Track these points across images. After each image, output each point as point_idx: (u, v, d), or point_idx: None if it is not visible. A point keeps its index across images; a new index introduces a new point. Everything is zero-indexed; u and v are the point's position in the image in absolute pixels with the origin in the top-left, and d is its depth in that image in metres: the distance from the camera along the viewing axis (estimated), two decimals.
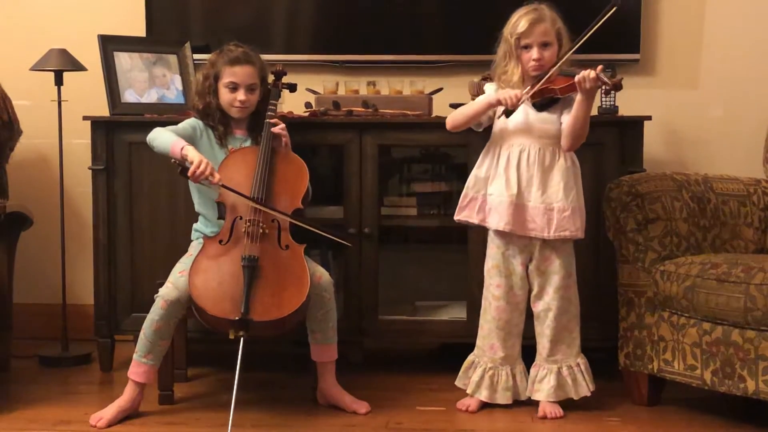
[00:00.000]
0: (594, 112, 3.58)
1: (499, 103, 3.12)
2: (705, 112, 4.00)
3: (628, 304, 3.28)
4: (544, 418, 3.16)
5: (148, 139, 3.22)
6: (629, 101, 3.70)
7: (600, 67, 3.02)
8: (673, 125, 3.98)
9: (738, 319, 2.94)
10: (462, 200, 3.26)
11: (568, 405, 3.21)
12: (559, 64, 3.10)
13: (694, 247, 3.29)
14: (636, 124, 3.53)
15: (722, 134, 3.99)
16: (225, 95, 3.30)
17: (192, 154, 3.09)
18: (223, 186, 3.12)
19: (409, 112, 3.61)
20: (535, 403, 3.22)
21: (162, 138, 3.18)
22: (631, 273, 3.27)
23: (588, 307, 3.39)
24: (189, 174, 3.06)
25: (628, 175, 3.38)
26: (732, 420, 3.14)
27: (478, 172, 3.23)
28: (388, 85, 3.81)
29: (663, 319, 3.18)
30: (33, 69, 3.78)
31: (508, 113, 3.10)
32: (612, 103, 3.63)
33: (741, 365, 2.94)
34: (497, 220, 3.16)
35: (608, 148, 3.52)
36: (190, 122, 3.32)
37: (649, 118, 3.54)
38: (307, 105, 3.70)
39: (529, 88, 3.12)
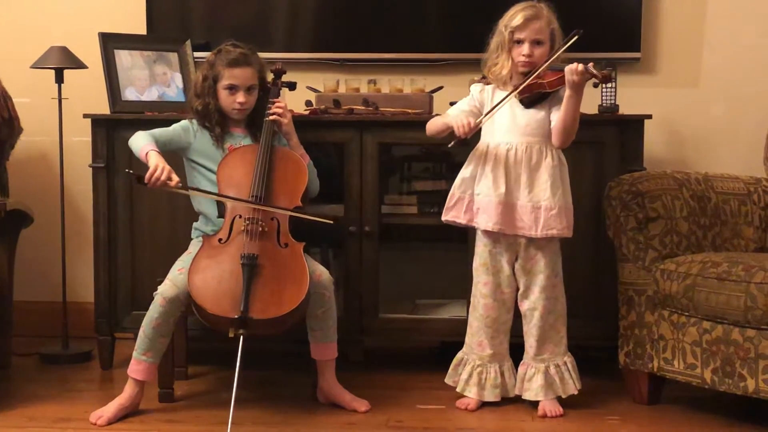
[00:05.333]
0: (594, 110, 3.60)
1: (450, 127, 3.12)
2: (705, 111, 3.99)
3: (629, 303, 3.28)
4: (545, 416, 3.16)
5: (129, 142, 3.22)
6: (630, 100, 3.70)
7: (591, 63, 3.02)
8: (674, 124, 3.97)
9: (738, 317, 2.94)
10: (449, 201, 3.26)
11: (567, 403, 3.21)
12: (542, 68, 3.09)
13: (695, 245, 3.29)
14: (636, 123, 3.52)
15: (723, 133, 3.98)
16: (224, 97, 3.29)
17: (151, 160, 3.07)
18: (182, 188, 3.10)
19: (409, 111, 3.61)
20: (534, 402, 3.21)
21: (136, 142, 3.18)
22: (632, 271, 3.27)
23: (588, 305, 3.39)
24: (145, 180, 3.04)
25: (628, 174, 3.38)
26: (732, 419, 3.14)
27: (464, 172, 3.23)
28: (388, 84, 3.81)
29: (663, 317, 3.18)
30: (33, 66, 3.78)
31: (457, 143, 3.08)
32: (612, 101, 3.62)
33: (741, 364, 2.94)
34: (486, 220, 3.15)
35: (608, 147, 3.52)
36: (182, 124, 3.33)
37: (649, 116, 3.54)
38: (308, 103, 3.70)
39: (483, 116, 3.13)
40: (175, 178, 3.07)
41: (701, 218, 3.33)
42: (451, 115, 3.20)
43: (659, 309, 3.20)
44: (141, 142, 3.16)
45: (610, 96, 3.62)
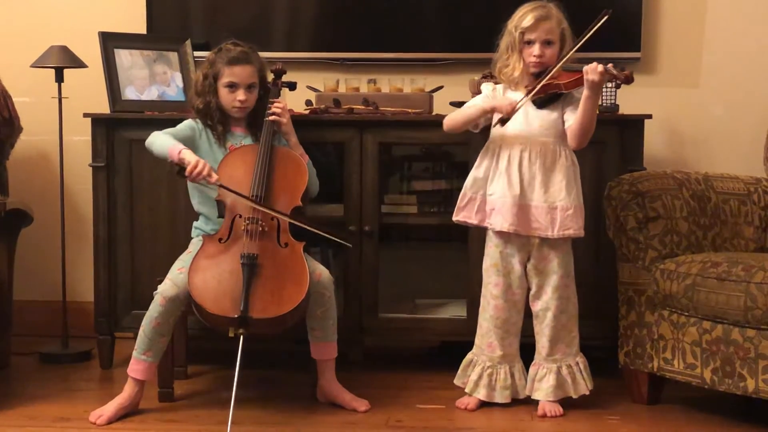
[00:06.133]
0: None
1: (493, 110, 3.11)
2: (706, 111, 4.00)
3: (629, 303, 3.28)
4: (544, 416, 3.16)
5: (146, 143, 3.22)
6: (630, 100, 3.70)
7: (611, 65, 3.01)
8: (674, 124, 3.97)
9: (738, 317, 2.94)
10: (460, 201, 3.25)
11: (567, 403, 3.21)
12: (558, 66, 3.08)
13: (695, 245, 3.29)
14: (636, 123, 3.53)
15: (723, 133, 3.99)
16: (224, 95, 3.30)
17: (189, 156, 3.09)
18: (221, 186, 3.12)
19: (409, 110, 3.61)
20: (534, 402, 3.22)
21: (159, 142, 3.18)
22: (632, 271, 3.27)
23: (588, 305, 3.38)
24: (186, 173, 3.06)
25: (628, 174, 3.38)
26: (731, 419, 3.14)
27: (476, 172, 3.22)
28: (388, 83, 3.81)
29: (663, 317, 3.18)
30: (33, 66, 3.78)
31: (503, 121, 3.08)
32: (613, 101, 3.62)
33: (741, 364, 2.94)
34: (501, 221, 3.14)
35: (609, 147, 3.52)
36: (188, 123, 3.33)
37: (649, 116, 3.54)
38: (308, 102, 3.70)
39: (524, 96, 3.11)
40: (215, 176, 3.10)
41: (701, 218, 3.33)
42: (479, 103, 3.18)
43: (659, 309, 3.20)
44: (168, 142, 3.15)
45: (611, 96, 3.63)
